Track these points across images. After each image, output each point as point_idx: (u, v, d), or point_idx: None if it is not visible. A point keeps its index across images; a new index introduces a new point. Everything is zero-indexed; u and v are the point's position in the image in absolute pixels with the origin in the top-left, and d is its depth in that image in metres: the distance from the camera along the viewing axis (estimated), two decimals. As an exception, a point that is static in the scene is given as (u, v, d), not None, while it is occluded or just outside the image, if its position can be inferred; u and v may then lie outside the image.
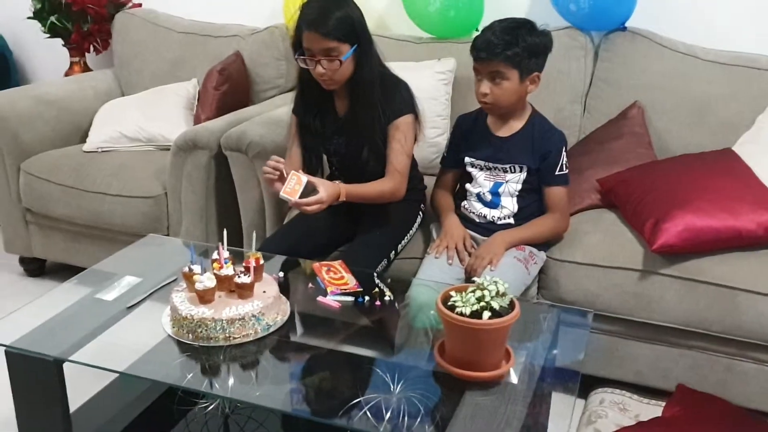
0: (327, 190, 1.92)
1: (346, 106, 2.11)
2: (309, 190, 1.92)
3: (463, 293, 1.49)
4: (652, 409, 2.08)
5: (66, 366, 1.62)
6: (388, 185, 2.08)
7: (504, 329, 1.48)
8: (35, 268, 3.01)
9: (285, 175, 1.92)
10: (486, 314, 1.44)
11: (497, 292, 1.48)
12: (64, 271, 2.93)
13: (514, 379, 1.52)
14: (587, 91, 2.63)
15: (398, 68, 2.19)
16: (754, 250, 2.02)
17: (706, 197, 2.04)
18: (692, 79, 2.49)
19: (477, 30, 2.78)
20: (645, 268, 2.04)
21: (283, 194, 1.90)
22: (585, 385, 2.19)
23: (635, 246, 2.09)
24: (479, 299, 1.47)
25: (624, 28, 2.60)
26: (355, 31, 1.97)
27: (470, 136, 2.12)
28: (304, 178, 1.91)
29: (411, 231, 2.22)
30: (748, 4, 2.57)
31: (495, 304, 1.46)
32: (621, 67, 2.58)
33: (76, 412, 1.76)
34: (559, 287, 2.12)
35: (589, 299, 2.09)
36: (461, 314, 1.44)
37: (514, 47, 1.90)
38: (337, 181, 2.00)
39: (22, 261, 3.02)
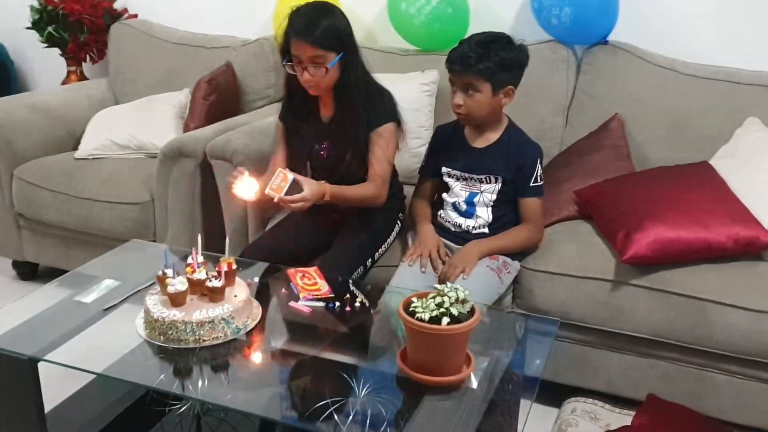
0: (311, 188, 1.96)
1: (331, 111, 2.16)
2: (295, 189, 1.96)
3: (424, 299, 1.52)
4: (622, 419, 2.10)
5: (44, 367, 1.66)
6: (370, 190, 2.12)
7: (463, 335, 1.51)
8: (28, 271, 3.07)
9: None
10: (445, 320, 1.47)
11: (457, 299, 1.51)
12: (55, 275, 2.91)
13: (473, 384, 1.55)
14: (569, 103, 2.67)
15: (384, 80, 2.24)
16: (724, 262, 2.05)
17: (679, 209, 2.06)
18: (672, 93, 2.52)
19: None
20: (616, 278, 2.07)
21: (268, 190, 1.93)
22: (558, 394, 2.22)
23: (607, 256, 2.12)
24: (439, 305, 1.50)
25: (605, 42, 2.64)
26: (342, 39, 2.03)
27: (448, 146, 2.16)
28: (291, 175, 1.95)
29: (389, 239, 2.26)
30: (729, 19, 2.61)
31: (454, 310, 1.49)
32: (602, 81, 2.62)
33: (51, 412, 1.80)
34: (533, 297, 2.15)
35: (563, 309, 2.12)
36: (420, 320, 1.47)
37: (486, 61, 1.95)
38: (322, 181, 2.05)
39: (15, 264, 3.07)
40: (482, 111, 2.02)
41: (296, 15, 2.03)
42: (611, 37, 2.64)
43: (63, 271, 2.82)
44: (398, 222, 2.31)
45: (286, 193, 1.94)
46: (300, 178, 1.98)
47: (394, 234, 2.28)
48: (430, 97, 2.69)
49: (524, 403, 1.72)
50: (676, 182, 2.22)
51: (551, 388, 2.18)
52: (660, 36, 2.67)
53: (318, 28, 1.98)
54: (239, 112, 2.98)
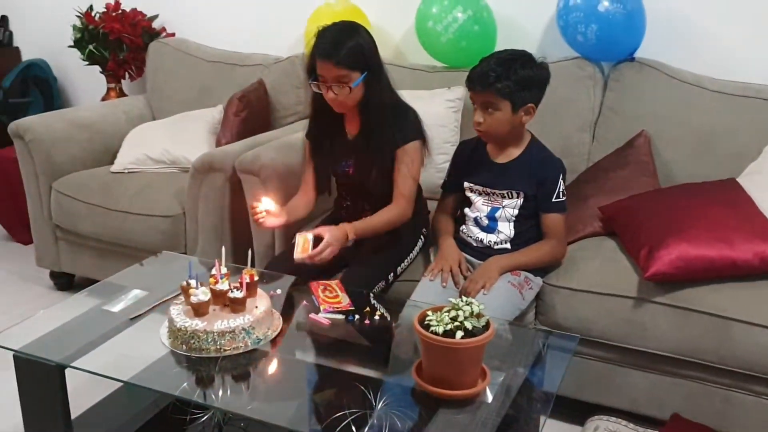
0: (332, 233, 2.01)
1: (357, 128, 2.20)
2: (320, 242, 2.02)
3: (439, 313, 1.54)
4: (646, 438, 2.07)
5: (72, 374, 1.71)
6: (394, 212, 2.15)
7: (477, 349, 1.52)
8: (64, 282, 3.16)
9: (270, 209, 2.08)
10: (459, 334, 1.49)
11: (471, 312, 1.52)
12: (91, 286, 3.05)
13: (488, 397, 1.56)
14: (596, 120, 2.66)
15: (411, 96, 2.28)
16: (750, 281, 2.02)
17: (703, 225, 2.04)
18: (699, 110, 2.50)
19: (489, 60, 2.85)
20: (639, 295, 2.05)
21: (297, 257, 2.00)
22: (581, 411, 2.20)
23: (631, 273, 2.11)
24: (453, 319, 1.51)
25: (632, 59, 2.63)
26: (366, 59, 2.07)
27: (470, 161, 2.18)
28: (309, 235, 2.02)
29: (411, 254, 2.28)
30: (757, 36, 2.58)
31: (468, 324, 1.50)
32: (629, 97, 2.61)
33: (78, 419, 1.85)
34: (555, 313, 2.15)
35: (585, 326, 2.11)
36: (435, 333, 1.49)
37: (505, 80, 1.96)
38: (341, 224, 2.09)
39: (53, 275, 3.16)
40: (502, 129, 2.03)
41: (322, 35, 2.08)
42: (638, 54, 2.63)
43: (97, 282, 2.92)
44: (422, 237, 2.33)
45: (312, 248, 2.00)
46: (317, 230, 2.03)
47: (417, 249, 2.30)
48: (456, 113, 2.71)
49: (557, 425, 1.69)
50: (701, 199, 2.19)
51: (574, 405, 2.17)
52: (687, 52, 2.64)
53: (342, 49, 2.02)
54: (270, 128, 3.04)
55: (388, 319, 1.88)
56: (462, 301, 1.54)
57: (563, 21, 2.63)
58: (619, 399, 2.17)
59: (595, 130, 2.67)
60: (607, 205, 2.32)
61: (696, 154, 2.48)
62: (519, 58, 1.99)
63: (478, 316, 1.53)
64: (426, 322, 1.53)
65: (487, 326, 1.53)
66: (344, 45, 2.03)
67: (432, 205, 2.41)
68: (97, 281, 2.92)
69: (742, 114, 2.44)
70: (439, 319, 1.52)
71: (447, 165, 2.65)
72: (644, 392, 2.13)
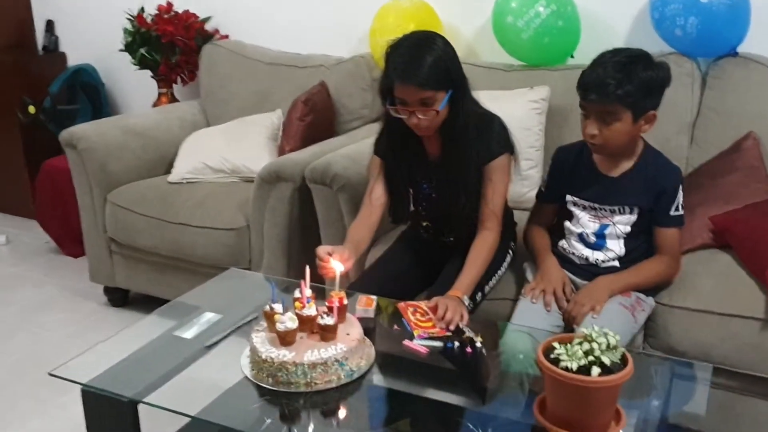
0: (451, 303, 1.75)
1: (438, 150, 1.97)
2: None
3: (569, 345, 1.34)
4: (776, 477, 1.85)
5: (145, 410, 1.55)
6: (490, 241, 1.93)
7: (615, 388, 1.32)
8: (119, 297, 3.02)
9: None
10: (595, 370, 1.29)
11: (608, 345, 1.32)
12: (147, 302, 2.93)
13: (625, 443, 1.36)
14: (694, 121, 2.44)
15: (487, 98, 2.05)
16: None
17: (839, 239, 1.82)
18: (814, 108, 2.27)
19: (572, 56, 2.65)
20: (767, 317, 1.83)
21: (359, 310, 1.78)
22: (697, 445, 1.98)
23: (755, 292, 1.89)
24: (587, 353, 1.31)
25: (735, 54, 2.41)
26: (451, 75, 1.83)
27: (574, 172, 1.95)
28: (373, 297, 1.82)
29: (500, 271, 2.07)
30: None
31: (606, 359, 1.30)
32: (732, 95, 2.38)
33: (150, 455, 1.69)
34: (669, 336, 1.94)
35: (703, 350, 1.90)
36: (567, 369, 1.29)
37: (627, 86, 1.72)
38: (450, 292, 1.83)
39: (107, 291, 3.02)
40: (621, 141, 1.81)
41: (396, 54, 1.83)
42: (741, 49, 2.41)
43: (154, 298, 2.79)
44: (509, 251, 2.12)
45: None
46: (434, 300, 1.78)
47: (506, 265, 2.10)
48: (540, 115, 2.50)
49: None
50: (832, 208, 1.97)
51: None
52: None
53: (423, 68, 1.78)
54: (334, 134, 2.87)
55: (481, 344, 1.68)
56: (594, 330, 1.34)
57: (658, 13, 2.41)
58: (742, 431, 1.94)
59: (694, 132, 2.44)
60: (719, 215, 2.10)
61: (812, 157, 2.25)
62: (639, 60, 1.76)
63: (614, 348, 1.33)
64: (554, 356, 1.33)
65: (624, 360, 1.33)
66: (425, 63, 1.78)
67: (518, 216, 2.21)
68: (154, 297, 2.82)
69: None
70: (571, 353, 1.32)
71: (531, 172, 2.47)
72: (771, 425, 1.90)
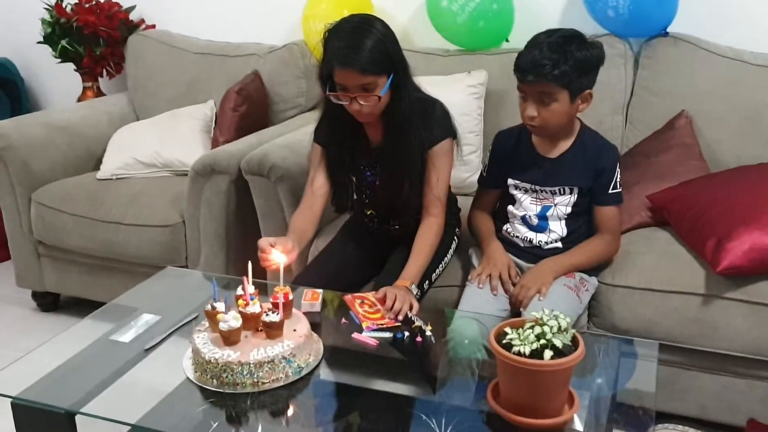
0: (398, 293, 1.72)
1: (380, 136, 1.92)
2: None
3: (520, 330, 1.33)
4: (720, 447, 1.90)
5: (83, 421, 1.47)
6: (435, 227, 1.91)
7: (568, 370, 1.32)
8: (48, 302, 2.88)
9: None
10: (548, 353, 1.28)
11: (559, 328, 1.31)
12: (78, 306, 2.81)
13: (578, 425, 1.35)
14: (629, 101, 2.47)
15: (427, 83, 2.02)
16: (830, 270, 1.84)
17: (773, 212, 1.86)
18: (742, 86, 2.32)
19: (507, 41, 2.64)
20: (708, 292, 1.87)
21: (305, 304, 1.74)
22: (643, 420, 2.01)
23: (695, 267, 1.93)
24: (539, 336, 1.31)
25: (666, 34, 2.45)
26: (392, 59, 1.78)
27: (513, 156, 1.95)
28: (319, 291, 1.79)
29: (446, 258, 2.05)
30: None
31: (557, 342, 1.30)
32: (664, 75, 2.42)
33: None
34: (612, 315, 1.95)
35: (647, 327, 1.92)
36: (519, 354, 1.28)
37: (563, 65, 1.72)
38: (397, 282, 1.81)
39: (35, 296, 2.89)
40: (559, 121, 1.81)
41: (335, 38, 1.77)
42: (671, 29, 2.44)
43: (87, 301, 2.67)
44: (455, 238, 2.11)
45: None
46: (382, 291, 1.74)
47: (451, 251, 2.08)
48: (479, 99, 2.49)
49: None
50: (763, 182, 2.01)
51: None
52: (723, 26, 2.46)
53: (363, 52, 1.72)
54: (269, 124, 2.79)
55: (431, 333, 1.66)
56: (545, 313, 1.33)
57: (591, -5, 2.42)
58: (687, 405, 1.99)
59: (629, 112, 2.47)
60: (656, 193, 2.13)
61: (742, 133, 2.30)
62: (573, 40, 1.76)
63: (565, 330, 1.33)
64: (506, 341, 1.32)
65: (575, 342, 1.33)
66: (364, 47, 1.73)
67: (461, 201, 2.19)
68: (86, 300, 2.70)
69: (790, 88, 2.27)
70: (523, 337, 1.31)
71: (472, 157, 2.46)
72: (714, 397, 1.95)
